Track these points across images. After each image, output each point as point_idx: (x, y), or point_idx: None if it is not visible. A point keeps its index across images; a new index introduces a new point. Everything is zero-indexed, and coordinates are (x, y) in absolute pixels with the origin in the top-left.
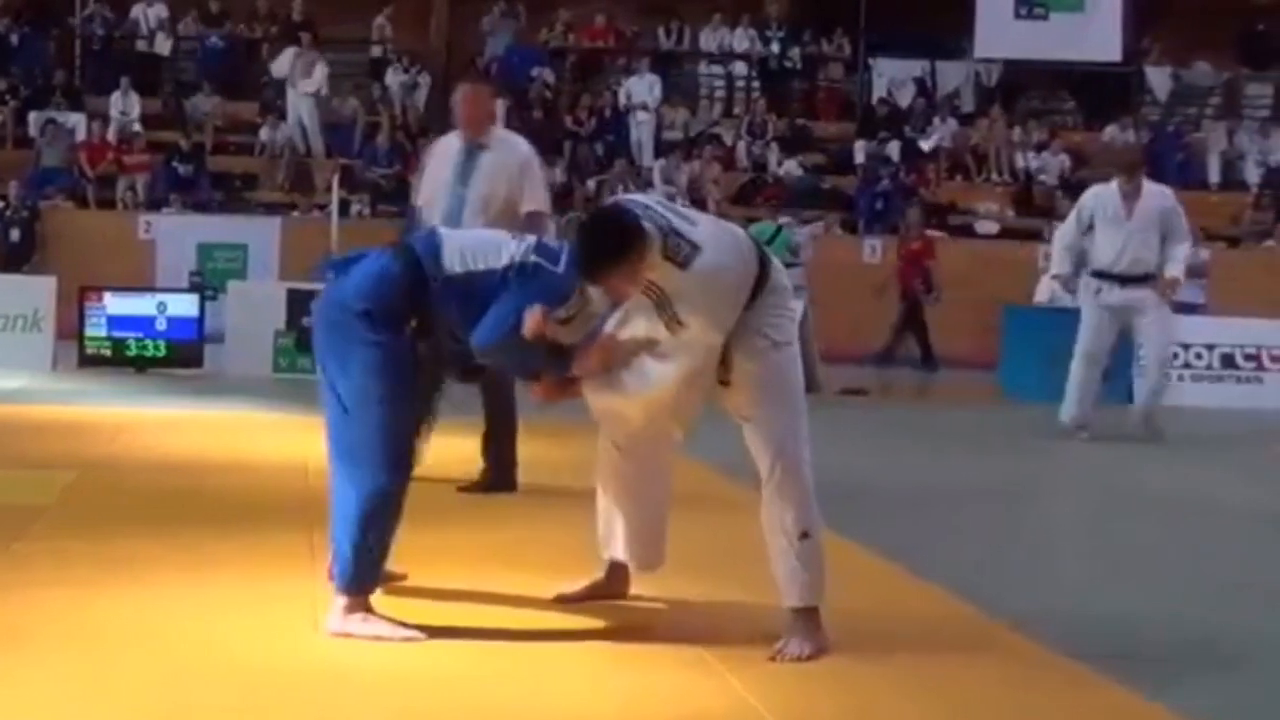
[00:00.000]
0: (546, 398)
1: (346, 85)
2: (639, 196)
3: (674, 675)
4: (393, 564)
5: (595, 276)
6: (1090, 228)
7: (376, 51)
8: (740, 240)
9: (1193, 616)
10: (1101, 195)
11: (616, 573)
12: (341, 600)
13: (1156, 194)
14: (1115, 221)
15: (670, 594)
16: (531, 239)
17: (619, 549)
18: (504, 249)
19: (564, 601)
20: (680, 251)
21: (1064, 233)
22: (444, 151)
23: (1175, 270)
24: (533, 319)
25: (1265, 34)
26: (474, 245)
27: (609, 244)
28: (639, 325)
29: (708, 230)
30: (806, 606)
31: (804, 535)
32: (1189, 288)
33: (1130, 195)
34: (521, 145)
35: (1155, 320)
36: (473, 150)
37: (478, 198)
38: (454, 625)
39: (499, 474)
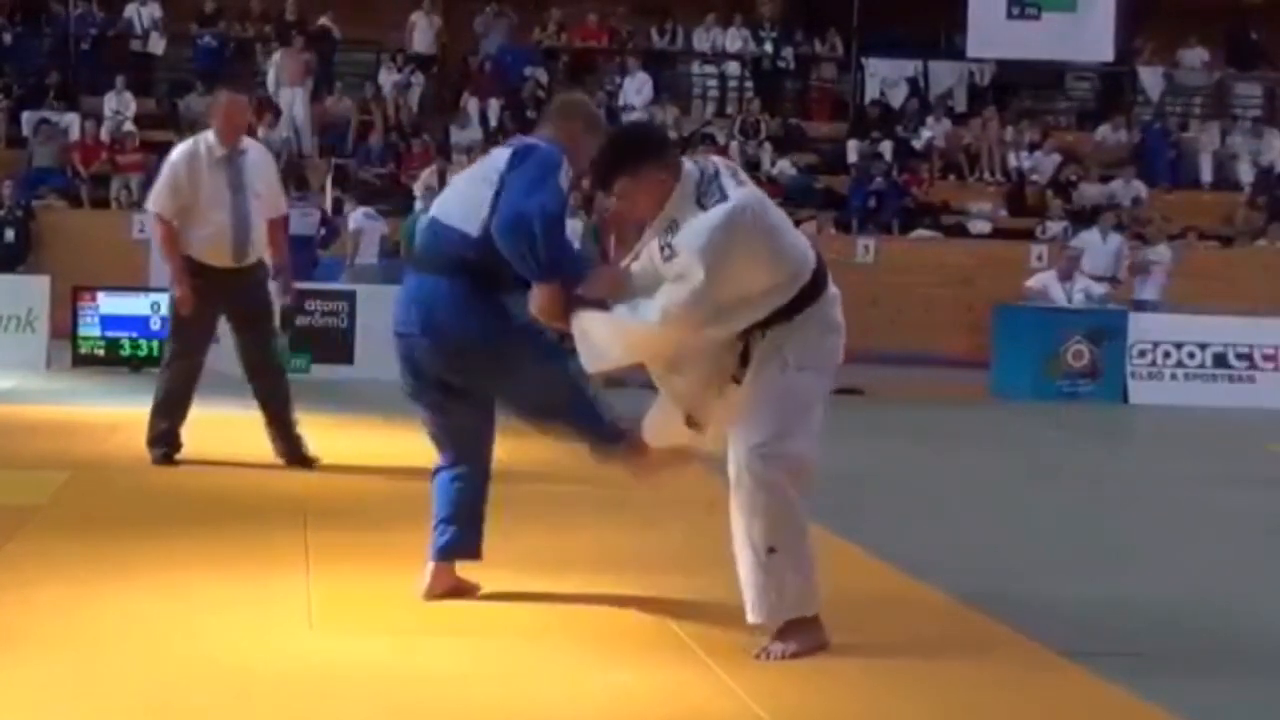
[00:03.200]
0: (547, 313)
1: (340, 85)
2: (712, 156)
3: (669, 673)
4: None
5: (606, 177)
6: None
7: (422, 46)
8: (787, 229)
9: (1189, 614)
10: None
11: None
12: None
13: None
14: None
15: (666, 593)
16: (502, 157)
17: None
18: (489, 182)
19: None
20: (711, 198)
21: None
22: (200, 160)
23: None
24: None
25: (1253, 34)
26: (470, 200)
27: (624, 145)
28: (649, 260)
29: (751, 194)
30: (772, 622)
31: (770, 550)
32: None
33: None
34: (264, 148)
35: None
36: (233, 157)
37: (255, 200)
38: (447, 624)
39: (293, 449)
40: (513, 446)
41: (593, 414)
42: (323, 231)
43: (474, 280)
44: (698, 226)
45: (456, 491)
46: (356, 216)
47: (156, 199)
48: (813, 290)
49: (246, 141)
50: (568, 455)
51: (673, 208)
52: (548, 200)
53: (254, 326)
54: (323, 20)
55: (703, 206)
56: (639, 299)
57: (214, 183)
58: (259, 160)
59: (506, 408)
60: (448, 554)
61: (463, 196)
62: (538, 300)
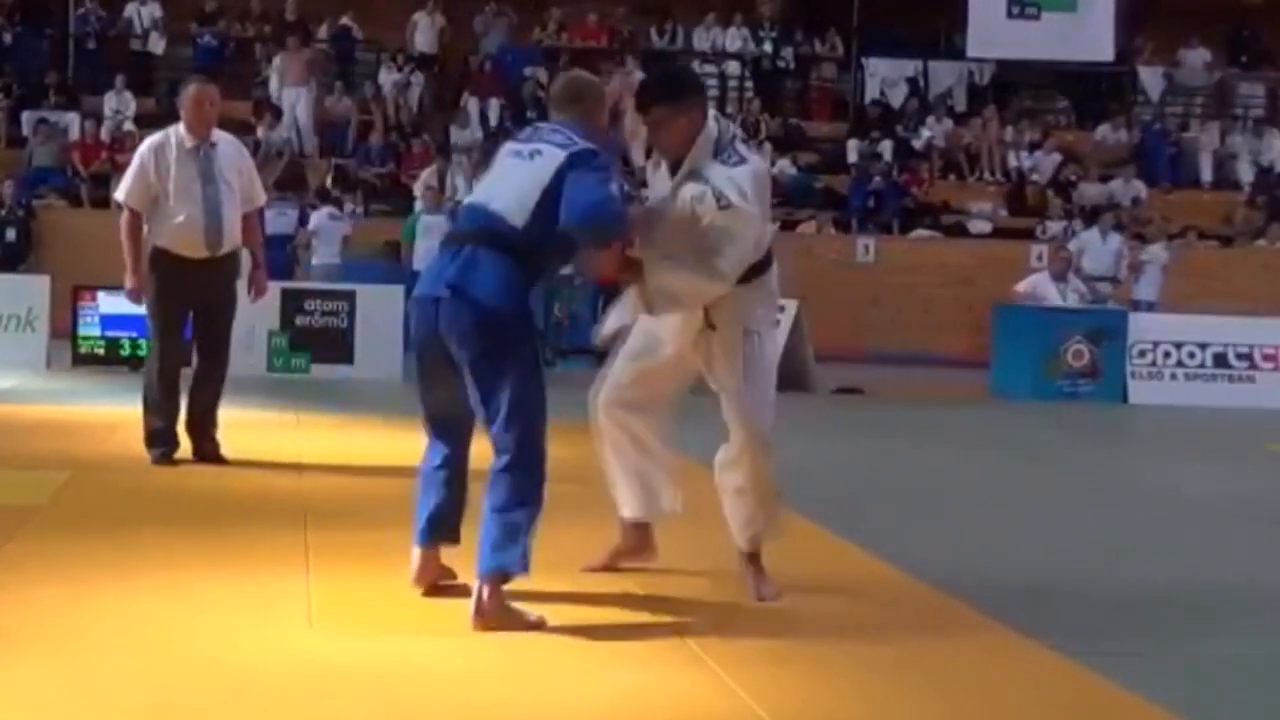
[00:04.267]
0: (609, 271)
1: (340, 85)
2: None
3: (669, 673)
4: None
5: (646, 104)
6: None
7: (423, 45)
8: (764, 205)
9: (1188, 613)
10: None
11: (638, 536)
12: (493, 583)
13: None
14: None
15: (665, 592)
16: (558, 157)
17: (630, 506)
18: (539, 180)
19: (590, 570)
20: (730, 158)
21: None
22: (168, 151)
23: None
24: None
25: (1254, 35)
26: (518, 191)
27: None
28: (682, 199)
29: (757, 166)
30: (752, 551)
31: (739, 490)
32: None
33: None
34: (236, 141)
35: None
36: (204, 149)
37: (227, 191)
38: (447, 624)
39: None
40: None
41: (535, 462)
42: (301, 230)
43: (515, 262)
44: (737, 177)
45: (444, 483)
46: (319, 216)
47: (124, 189)
48: (767, 261)
49: (217, 134)
50: (567, 456)
51: (696, 157)
52: (616, 191)
53: (217, 319)
54: (344, 20)
55: (722, 163)
56: (683, 256)
57: (183, 174)
58: (230, 151)
59: (476, 396)
60: (434, 539)
61: (511, 186)
62: (601, 262)
